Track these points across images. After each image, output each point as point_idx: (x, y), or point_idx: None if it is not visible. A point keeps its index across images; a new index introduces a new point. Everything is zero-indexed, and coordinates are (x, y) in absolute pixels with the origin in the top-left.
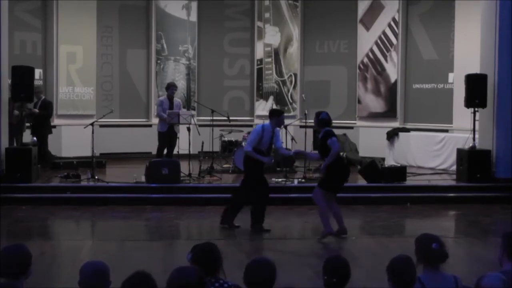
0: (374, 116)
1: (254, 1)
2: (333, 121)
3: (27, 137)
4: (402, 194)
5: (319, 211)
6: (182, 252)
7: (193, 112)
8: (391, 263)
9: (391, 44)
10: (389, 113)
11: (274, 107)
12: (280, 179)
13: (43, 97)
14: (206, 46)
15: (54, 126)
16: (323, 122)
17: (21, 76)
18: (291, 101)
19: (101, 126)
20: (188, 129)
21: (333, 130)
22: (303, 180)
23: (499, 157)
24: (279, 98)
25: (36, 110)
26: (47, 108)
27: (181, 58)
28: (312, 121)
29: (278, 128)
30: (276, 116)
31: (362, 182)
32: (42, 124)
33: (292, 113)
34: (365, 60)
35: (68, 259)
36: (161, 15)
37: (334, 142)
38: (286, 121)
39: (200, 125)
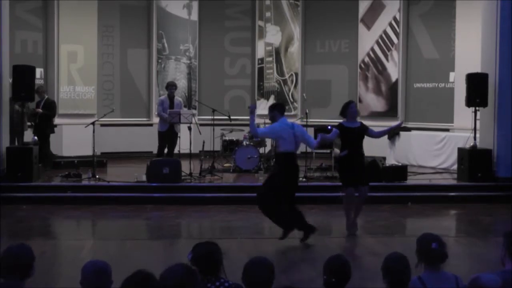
0: (375, 115)
1: (255, 0)
2: (335, 121)
3: (28, 136)
4: (403, 194)
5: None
6: (183, 251)
7: (194, 111)
8: (385, 261)
9: (392, 43)
10: (390, 112)
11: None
12: None
13: (46, 97)
14: (207, 46)
15: (56, 125)
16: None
17: (22, 75)
18: (292, 100)
19: (102, 125)
20: (189, 128)
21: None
22: (304, 179)
23: (500, 156)
24: (280, 97)
25: (40, 110)
26: (50, 107)
27: (182, 58)
28: (314, 120)
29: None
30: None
31: None
32: (45, 124)
33: (293, 112)
34: (366, 59)
35: (69, 259)
36: (162, 14)
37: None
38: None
39: (201, 124)
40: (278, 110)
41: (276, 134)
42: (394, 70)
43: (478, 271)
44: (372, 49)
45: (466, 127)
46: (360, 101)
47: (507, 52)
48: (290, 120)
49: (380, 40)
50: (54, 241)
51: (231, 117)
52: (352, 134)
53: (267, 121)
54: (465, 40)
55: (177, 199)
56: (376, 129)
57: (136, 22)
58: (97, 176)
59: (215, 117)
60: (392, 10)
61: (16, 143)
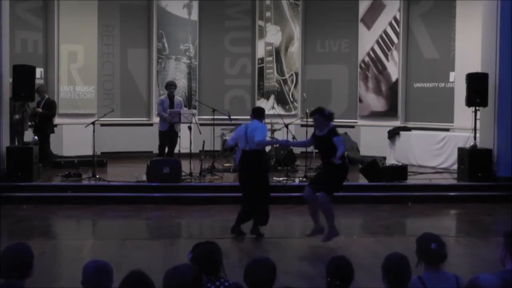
0: (375, 115)
1: (255, 0)
2: (335, 120)
3: (28, 136)
4: (403, 193)
5: (328, 214)
6: (183, 251)
7: (194, 111)
8: (385, 261)
9: (392, 43)
10: (390, 112)
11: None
12: (281, 178)
13: (47, 96)
14: (207, 45)
15: (56, 125)
16: (331, 117)
17: (22, 75)
18: (292, 100)
19: (102, 125)
20: (189, 128)
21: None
22: (304, 179)
23: (500, 156)
24: (280, 97)
25: (40, 110)
26: (51, 107)
27: (182, 57)
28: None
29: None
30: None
31: (363, 181)
32: (45, 124)
33: (293, 112)
34: (366, 59)
35: (69, 259)
36: (162, 14)
37: (340, 141)
38: (288, 120)
39: (201, 124)
40: (252, 113)
41: (236, 135)
42: (394, 70)
43: (478, 271)
44: (372, 49)
45: (466, 127)
46: (360, 101)
47: (507, 52)
48: (288, 120)
49: (380, 40)
50: (54, 241)
51: (231, 117)
52: (317, 142)
53: (267, 121)
54: (465, 40)
55: (177, 199)
56: (375, 130)
57: (136, 22)
58: (97, 176)
59: (215, 117)
60: (392, 10)
61: (16, 143)
